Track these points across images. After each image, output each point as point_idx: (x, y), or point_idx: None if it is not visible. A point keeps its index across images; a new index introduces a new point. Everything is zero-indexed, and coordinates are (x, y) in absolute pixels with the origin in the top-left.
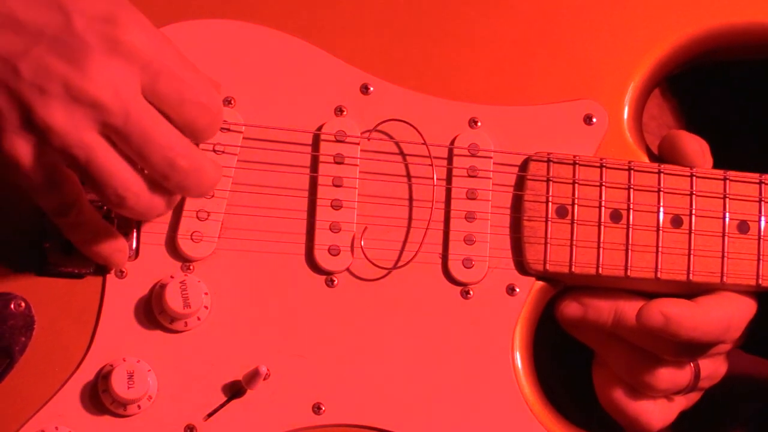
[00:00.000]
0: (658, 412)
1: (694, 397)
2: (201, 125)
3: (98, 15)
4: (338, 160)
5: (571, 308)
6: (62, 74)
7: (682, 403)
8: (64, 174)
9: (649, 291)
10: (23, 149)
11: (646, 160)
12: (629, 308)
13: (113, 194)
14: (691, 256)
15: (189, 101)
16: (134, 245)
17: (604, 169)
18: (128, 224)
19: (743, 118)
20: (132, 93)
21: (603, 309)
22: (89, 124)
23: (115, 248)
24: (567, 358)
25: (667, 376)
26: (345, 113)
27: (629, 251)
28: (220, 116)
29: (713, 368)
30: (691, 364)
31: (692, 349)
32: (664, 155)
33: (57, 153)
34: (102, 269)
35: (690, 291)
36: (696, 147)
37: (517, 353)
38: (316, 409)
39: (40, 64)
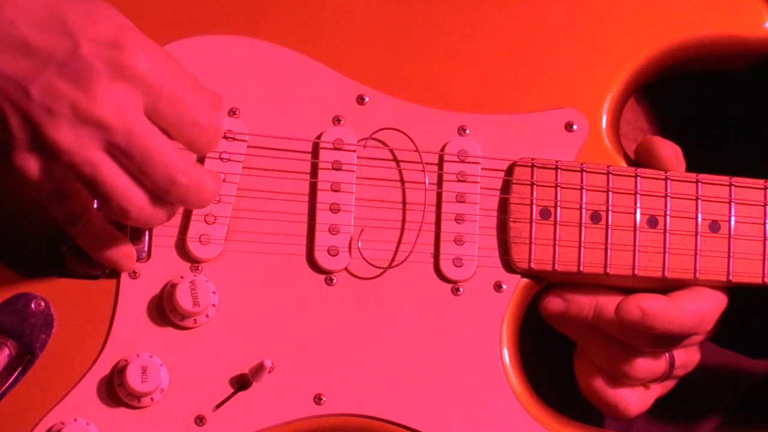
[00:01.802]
0: (635, 399)
1: (669, 384)
2: (200, 143)
3: (104, 40)
4: (336, 167)
5: (554, 303)
6: (70, 96)
7: (657, 390)
8: (73, 187)
9: (628, 286)
10: (34, 166)
11: (623, 164)
12: (608, 303)
13: (118, 207)
14: (666, 254)
15: (188, 121)
16: (146, 247)
17: (584, 173)
18: (140, 228)
19: (714, 120)
20: (135, 114)
21: (584, 304)
22: (95, 143)
23: (123, 254)
24: (549, 349)
25: (644, 365)
26: (342, 122)
27: (608, 250)
28: (219, 134)
29: (687, 358)
30: (666, 355)
31: (667, 340)
32: (640, 159)
33: (65, 169)
34: (115, 270)
35: (665, 286)
36: (670, 152)
37: (505, 345)
38: (317, 399)
39: (49, 87)
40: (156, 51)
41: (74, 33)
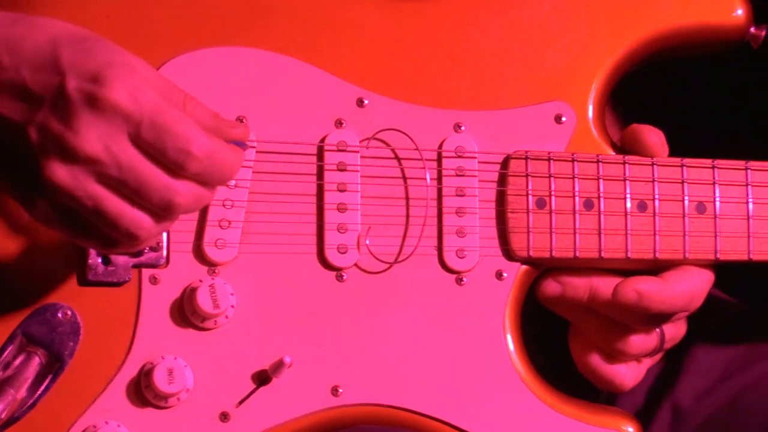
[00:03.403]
0: (630, 373)
1: (658, 356)
2: (190, 170)
3: (87, 74)
4: (341, 168)
5: (551, 287)
6: (59, 135)
7: (648, 362)
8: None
9: (621, 268)
10: (43, 208)
11: (611, 152)
12: (602, 285)
13: (126, 233)
14: (657, 236)
15: (171, 148)
16: (165, 254)
17: (575, 162)
18: (159, 237)
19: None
20: (120, 144)
21: (579, 286)
22: (89, 177)
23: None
24: (544, 329)
25: (637, 342)
26: (344, 125)
27: (602, 235)
28: (216, 162)
29: (675, 331)
30: (658, 331)
31: (659, 318)
32: (626, 147)
33: (69, 206)
34: (140, 276)
35: (656, 267)
36: (655, 138)
37: (508, 329)
38: (335, 391)
39: (42, 128)
40: (139, 80)
41: (63, 70)
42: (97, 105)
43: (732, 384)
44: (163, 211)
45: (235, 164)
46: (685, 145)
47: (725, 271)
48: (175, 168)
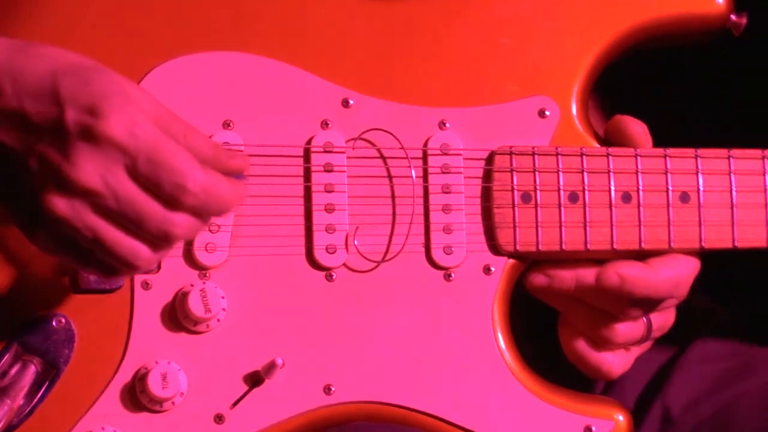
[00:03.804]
0: (617, 361)
1: (647, 345)
2: (187, 204)
3: (84, 106)
4: (328, 169)
5: (538, 279)
6: (57, 166)
7: (636, 351)
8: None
9: (607, 259)
10: (43, 237)
11: (595, 145)
12: (588, 274)
13: (124, 262)
14: (642, 227)
15: (167, 182)
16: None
17: (559, 156)
18: None
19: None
20: (117, 177)
21: (565, 277)
22: (87, 209)
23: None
24: (533, 319)
25: (624, 330)
26: (330, 126)
27: (587, 227)
28: (213, 197)
29: (663, 320)
30: (644, 319)
31: (644, 305)
32: (610, 139)
33: (69, 236)
34: (131, 282)
35: (643, 257)
36: (638, 129)
37: (498, 323)
38: (327, 390)
39: (41, 159)
40: (135, 112)
41: (62, 100)
42: (94, 138)
43: (722, 395)
44: (160, 241)
45: (231, 198)
46: (674, 134)
47: (721, 280)
48: (170, 201)
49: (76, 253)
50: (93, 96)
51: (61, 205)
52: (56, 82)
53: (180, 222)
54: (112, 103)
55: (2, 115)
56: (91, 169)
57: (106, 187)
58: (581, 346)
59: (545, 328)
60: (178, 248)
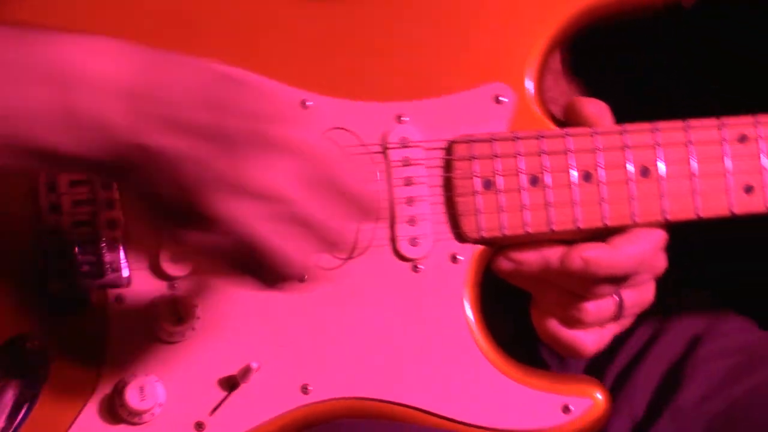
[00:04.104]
0: (591, 339)
1: (626, 322)
2: (353, 206)
3: (253, 114)
4: None
5: (504, 264)
6: (229, 174)
7: (614, 328)
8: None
9: (574, 238)
10: (208, 242)
11: (553, 127)
12: (553, 258)
13: (285, 266)
14: (604, 204)
15: (339, 186)
16: (126, 273)
17: (517, 140)
18: (117, 257)
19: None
20: (291, 181)
21: (531, 261)
22: (258, 214)
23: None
24: (505, 301)
25: (594, 309)
26: None
27: (550, 209)
28: (368, 189)
29: (638, 297)
30: (614, 297)
31: (612, 283)
32: (569, 120)
33: (235, 241)
34: (103, 300)
35: (609, 234)
36: (594, 109)
37: (469, 310)
38: (304, 389)
39: (209, 167)
40: (303, 118)
41: (227, 110)
42: (268, 144)
43: (733, 390)
44: (329, 248)
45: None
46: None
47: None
48: (342, 203)
49: (240, 261)
50: (260, 103)
51: (232, 210)
52: (214, 88)
53: (348, 228)
54: (283, 110)
55: (164, 124)
56: (266, 175)
57: (278, 191)
58: (553, 326)
59: (521, 312)
60: (146, 262)
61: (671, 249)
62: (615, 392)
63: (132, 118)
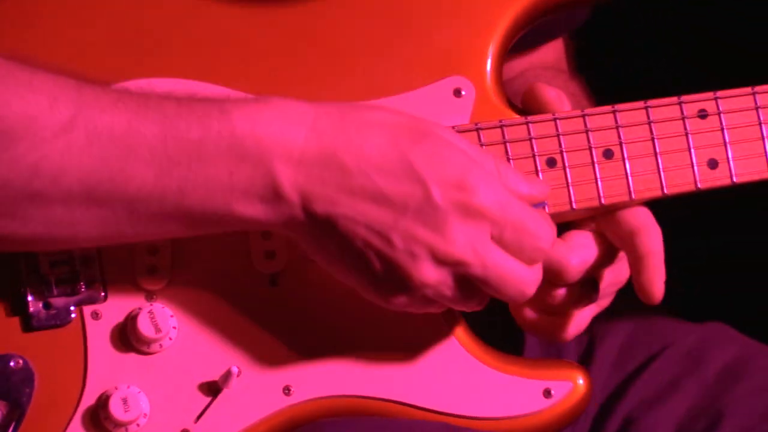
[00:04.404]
0: (570, 323)
1: (604, 303)
2: (537, 259)
3: (451, 183)
4: None
5: None
6: (428, 240)
7: (593, 309)
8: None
9: None
10: (402, 300)
11: (514, 115)
12: None
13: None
14: (570, 187)
15: (528, 247)
16: (102, 288)
17: (479, 131)
18: (93, 273)
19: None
20: (485, 246)
21: None
22: (453, 276)
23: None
24: None
25: (566, 296)
26: None
27: None
28: (551, 248)
29: (613, 277)
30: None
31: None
32: (528, 108)
33: (428, 299)
34: (81, 313)
35: (576, 217)
36: (552, 94)
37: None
38: (286, 391)
39: (408, 234)
40: (496, 183)
41: (425, 180)
42: (469, 212)
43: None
44: (512, 300)
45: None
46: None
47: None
48: (529, 263)
49: (429, 308)
50: (456, 171)
51: (430, 275)
52: (407, 157)
53: (533, 280)
54: (475, 176)
55: (359, 194)
56: (463, 240)
57: (475, 256)
58: (529, 314)
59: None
60: (122, 275)
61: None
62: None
63: (321, 187)
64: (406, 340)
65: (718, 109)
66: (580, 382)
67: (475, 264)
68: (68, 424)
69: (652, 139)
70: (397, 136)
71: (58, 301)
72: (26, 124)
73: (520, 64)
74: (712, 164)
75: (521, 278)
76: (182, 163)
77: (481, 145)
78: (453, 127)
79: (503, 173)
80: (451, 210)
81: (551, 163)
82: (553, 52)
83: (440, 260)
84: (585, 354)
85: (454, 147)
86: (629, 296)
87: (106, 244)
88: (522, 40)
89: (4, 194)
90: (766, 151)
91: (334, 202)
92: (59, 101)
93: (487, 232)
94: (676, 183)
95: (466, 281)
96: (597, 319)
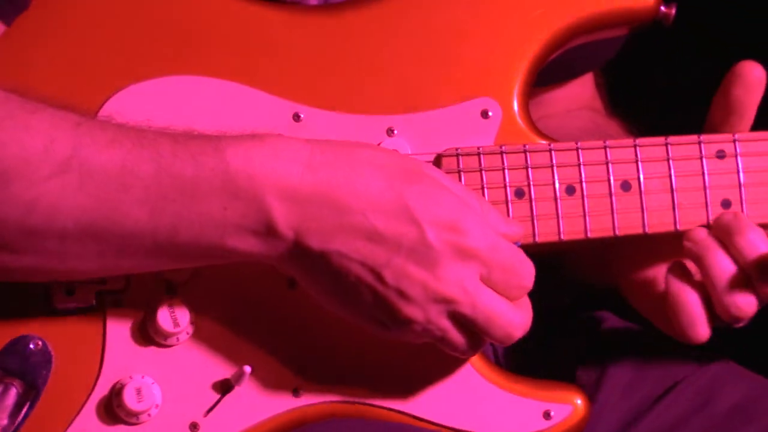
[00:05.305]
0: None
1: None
2: (519, 296)
3: (445, 225)
4: None
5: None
6: (420, 279)
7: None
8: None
9: (558, 249)
10: (394, 333)
11: (538, 141)
12: None
13: (462, 354)
14: (587, 216)
15: (514, 286)
16: (125, 277)
17: (504, 154)
18: None
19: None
20: (475, 285)
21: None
22: (443, 315)
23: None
24: None
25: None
26: None
27: (534, 221)
28: (531, 286)
29: None
30: None
31: None
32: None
33: (417, 333)
34: (103, 301)
35: (591, 244)
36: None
37: None
38: (295, 392)
39: (400, 272)
40: (486, 225)
41: (420, 221)
42: (461, 253)
43: None
44: (499, 342)
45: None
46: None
47: None
48: (511, 299)
49: (420, 340)
50: (449, 214)
51: (417, 312)
52: (403, 198)
53: (521, 324)
54: (467, 219)
55: (354, 231)
56: (454, 279)
57: (465, 294)
58: (693, 297)
59: None
60: None
61: None
62: None
63: (315, 224)
64: (415, 352)
65: (736, 150)
66: (579, 403)
67: (465, 302)
68: (81, 408)
69: (670, 176)
70: (392, 176)
71: (80, 287)
72: (22, 165)
73: (557, 98)
74: (726, 204)
75: (510, 321)
76: (176, 201)
77: (503, 169)
78: (478, 148)
79: (485, 212)
80: (444, 250)
81: (570, 191)
82: (586, 88)
83: (431, 298)
84: (593, 387)
85: (446, 189)
86: (638, 330)
87: (105, 275)
88: (552, 74)
89: (1, 229)
90: None
91: (328, 238)
92: (56, 142)
93: (477, 272)
94: (690, 220)
95: (455, 321)
96: (606, 352)
